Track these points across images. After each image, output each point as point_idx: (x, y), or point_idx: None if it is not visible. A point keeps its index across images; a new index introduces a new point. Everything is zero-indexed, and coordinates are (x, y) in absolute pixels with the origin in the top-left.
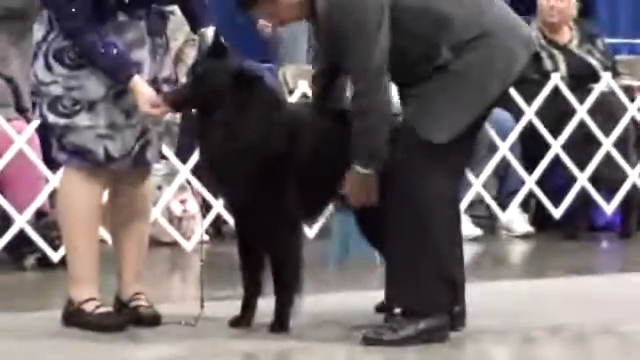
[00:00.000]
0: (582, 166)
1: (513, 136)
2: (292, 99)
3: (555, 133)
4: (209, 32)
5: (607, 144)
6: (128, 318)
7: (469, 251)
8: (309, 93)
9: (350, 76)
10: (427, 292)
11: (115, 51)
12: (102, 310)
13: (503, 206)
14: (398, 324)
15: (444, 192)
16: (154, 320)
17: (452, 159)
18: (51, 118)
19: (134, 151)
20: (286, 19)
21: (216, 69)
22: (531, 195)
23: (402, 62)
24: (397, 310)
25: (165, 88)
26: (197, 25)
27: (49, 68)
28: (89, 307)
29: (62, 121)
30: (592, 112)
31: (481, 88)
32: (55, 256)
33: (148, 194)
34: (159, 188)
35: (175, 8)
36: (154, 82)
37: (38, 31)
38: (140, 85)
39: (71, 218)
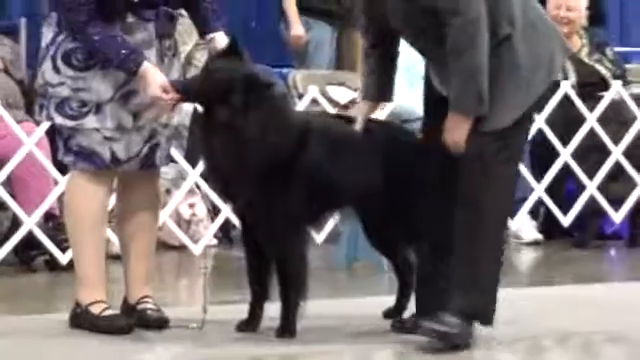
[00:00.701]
0: (591, 175)
1: None
2: (302, 104)
3: (565, 141)
4: (218, 37)
5: (617, 153)
6: (135, 321)
7: None
8: (319, 98)
9: (448, 17)
10: (489, 296)
11: (120, 41)
12: (109, 312)
13: (512, 213)
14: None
15: (501, 186)
16: (161, 323)
17: (501, 151)
18: (58, 120)
19: (142, 154)
20: None
21: (229, 67)
22: (540, 203)
23: None
24: (405, 317)
25: None
26: (207, 30)
27: (57, 70)
28: (96, 309)
29: (69, 123)
30: (602, 120)
31: (528, 83)
32: (63, 258)
33: (157, 197)
34: (168, 192)
35: (185, 11)
36: None
37: (47, 33)
38: (151, 70)
39: (77, 221)
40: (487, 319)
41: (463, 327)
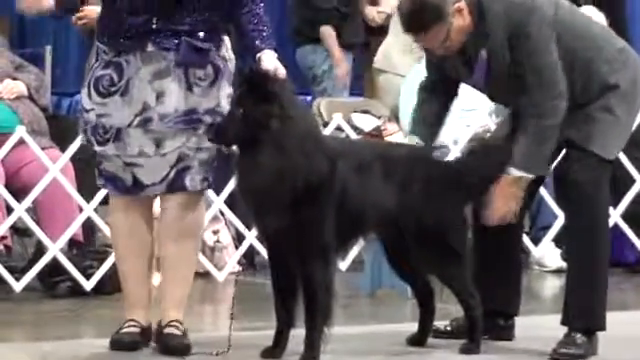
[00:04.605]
0: (615, 203)
1: None
2: (326, 131)
3: None
4: (265, 57)
5: None
6: (145, 340)
7: None
8: (343, 126)
9: (535, 86)
10: (604, 305)
11: None
12: (126, 330)
13: (536, 241)
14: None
15: (607, 207)
16: (184, 349)
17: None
18: (94, 144)
19: (169, 178)
20: (455, 44)
21: (257, 104)
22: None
23: (584, 81)
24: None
25: (207, 119)
26: (253, 51)
27: (89, 96)
28: (122, 327)
29: (97, 148)
30: (626, 149)
31: (632, 109)
32: (87, 285)
33: (197, 224)
34: None
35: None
36: (192, 112)
37: (90, 61)
38: None
39: (116, 242)
40: (604, 326)
41: (591, 344)
